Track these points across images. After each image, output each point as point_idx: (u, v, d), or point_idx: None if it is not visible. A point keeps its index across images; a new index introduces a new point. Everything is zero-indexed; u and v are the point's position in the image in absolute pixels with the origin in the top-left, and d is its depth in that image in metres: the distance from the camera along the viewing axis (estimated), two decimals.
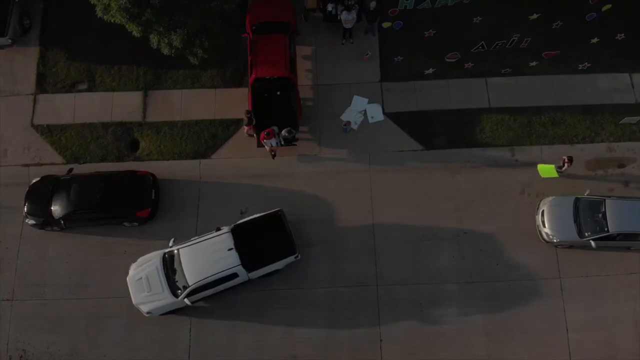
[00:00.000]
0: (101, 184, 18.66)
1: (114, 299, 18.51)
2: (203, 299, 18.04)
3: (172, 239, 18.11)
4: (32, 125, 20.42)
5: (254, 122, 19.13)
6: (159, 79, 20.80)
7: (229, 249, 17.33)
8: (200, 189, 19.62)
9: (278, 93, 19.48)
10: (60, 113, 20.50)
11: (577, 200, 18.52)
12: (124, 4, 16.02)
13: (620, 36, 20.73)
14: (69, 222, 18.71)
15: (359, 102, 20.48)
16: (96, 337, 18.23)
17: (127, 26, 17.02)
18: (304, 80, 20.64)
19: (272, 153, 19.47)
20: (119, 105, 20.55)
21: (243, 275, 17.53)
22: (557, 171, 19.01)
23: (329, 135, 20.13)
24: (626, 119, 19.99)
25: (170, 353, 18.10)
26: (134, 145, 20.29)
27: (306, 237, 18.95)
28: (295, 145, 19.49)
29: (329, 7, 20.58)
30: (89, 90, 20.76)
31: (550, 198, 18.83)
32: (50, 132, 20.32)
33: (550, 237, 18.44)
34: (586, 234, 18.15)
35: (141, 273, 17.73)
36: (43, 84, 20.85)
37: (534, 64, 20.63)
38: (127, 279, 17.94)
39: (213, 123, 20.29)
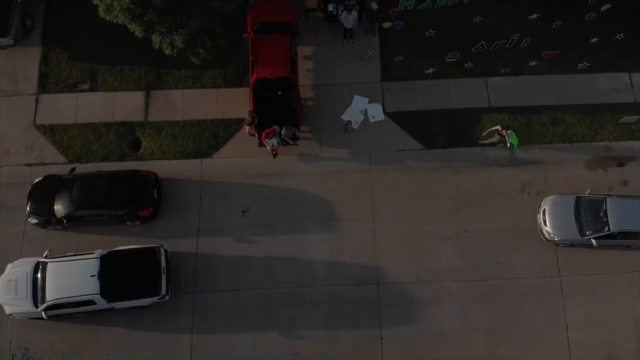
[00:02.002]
0: (103, 184, 18.74)
1: None
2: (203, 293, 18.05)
3: (48, 250, 18.14)
4: (35, 125, 20.51)
5: (256, 122, 19.22)
6: (161, 79, 20.89)
7: (92, 275, 17.25)
8: (201, 189, 19.72)
9: (279, 93, 19.57)
10: (62, 113, 20.59)
11: (578, 199, 18.60)
12: (126, 5, 16.11)
13: (620, 36, 20.82)
14: (71, 222, 18.79)
15: (359, 102, 20.57)
16: (98, 334, 18.29)
17: (129, 26, 17.12)
18: (305, 80, 20.74)
19: (274, 152, 19.57)
20: (120, 105, 20.64)
21: (102, 303, 17.37)
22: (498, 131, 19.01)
23: (329, 134, 20.22)
24: (625, 118, 20.09)
25: (172, 351, 18.18)
26: (136, 145, 20.38)
27: (307, 236, 19.04)
28: (296, 144, 19.59)
29: (330, 7, 20.66)
30: (91, 90, 20.85)
31: (552, 197, 18.91)
32: (52, 132, 20.42)
33: (552, 235, 18.51)
34: (587, 233, 18.23)
35: (13, 275, 17.74)
36: (45, 84, 20.95)
37: (533, 63, 20.72)
38: (1, 276, 17.97)
39: (214, 123, 20.39)
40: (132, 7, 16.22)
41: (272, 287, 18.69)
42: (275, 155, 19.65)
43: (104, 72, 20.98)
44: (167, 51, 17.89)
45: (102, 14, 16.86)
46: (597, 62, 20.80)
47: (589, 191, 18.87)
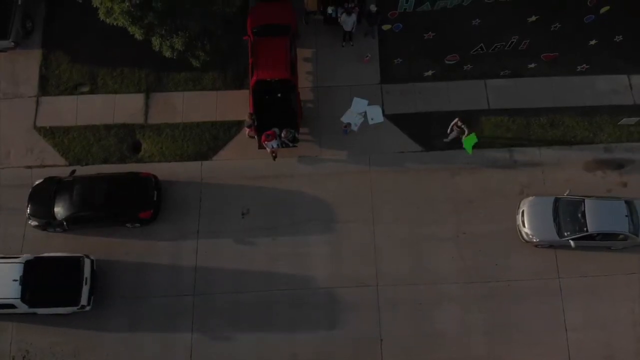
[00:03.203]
0: (103, 186, 18.80)
1: (115, 299, 18.63)
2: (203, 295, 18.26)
3: None
4: (35, 127, 20.57)
5: (255, 124, 19.27)
6: (161, 82, 20.95)
7: (14, 280, 17.26)
8: (201, 191, 19.76)
9: (279, 95, 19.62)
10: (62, 115, 20.65)
11: (557, 200, 18.64)
12: (127, 8, 16.17)
13: (619, 38, 20.85)
14: (71, 224, 18.83)
15: (359, 104, 20.62)
16: (98, 337, 18.33)
17: (129, 29, 17.17)
18: (305, 82, 20.78)
19: (273, 154, 19.61)
20: (121, 107, 20.69)
21: (23, 308, 17.38)
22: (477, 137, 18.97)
23: (329, 136, 20.27)
24: (625, 120, 20.12)
25: (172, 353, 18.22)
26: (136, 147, 20.43)
27: (307, 238, 19.09)
28: (296, 146, 19.63)
29: (329, 10, 20.69)
30: (91, 92, 20.92)
31: (531, 198, 18.95)
32: (52, 134, 20.47)
33: (530, 236, 18.54)
34: (566, 234, 18.23)
35: None
36: (45, 86, 21.01)
37: (532, 65, 20.76)
38: None
39: (214, 125, 20.44)
40: (132, 10, 16.28)
41: (271, 288, 18.72)
42: (275, 157, 19.69)
43: (104, 74, 21.04)
44: (167, 54, 17.95)
45: (102, 17, 16.92)
46: (596, 64, 20.83)
47: (567, 192, 18.86)
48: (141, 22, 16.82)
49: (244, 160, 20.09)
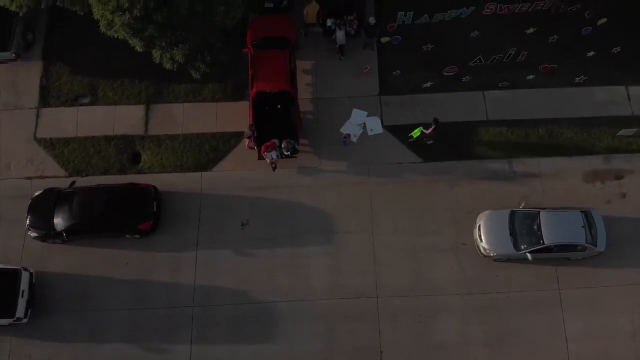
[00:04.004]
0: (103, 197, 18.82)
1: (115, 311, 18.60)
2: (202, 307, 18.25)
3: None
4: (36, 138, 20.64)
5: (255, 136, 19.34)
6: (161, 93, 21.05)
7: None
8: (201, 202, 19.78)
9: (279, 107, 19.71)
10: (63, 127, 20.73)
11: (512, 213, 18.55)
12: (128, 20, 16.28)
13: (617, 49, 21.00)
14: (71, 235, 18.83)
15: (358, 116, 20.71)
16: (97, 349, 18.25)
17: (130, 41, 17.27)
18: (304, 94, 20.89)
19: (273, 166, 19.66)
20: (121, 119, 20.78)
21: None
22: (423, 131, 19.34)
23: (329, 148, 20.33)
24: (623, 131, 20.20)
25: None
26: (136, 159, 20.48)
27: (307, 249, 19.08)
28: (296, 157, 19.68)
29: (329, 23, 20.88)
30: (91, 104, 21.02)
31: (487, 212, 18.86)
32: (53, 146, 20.53)
33: (488, 251, 18.45)
34: (522, 247, 18.11)
35: None
36: (46, 98, 21.10)
37: (531, 77, 20.88)
38: None
39: (214, 136, 20.51)
40: (133, 22, 16.38)
41: (271, 300, 18.68)
42: (274, 169, 19.74)
43: (105, 86, 21.15)
44: (168, 66, 18.05)
45: (103, 30, 17.03)
46: (594, 75, 20.97)
47: (523, 205, 18.80)
48: (142, 35, 16.92)
49: (243, 172, 20.14)
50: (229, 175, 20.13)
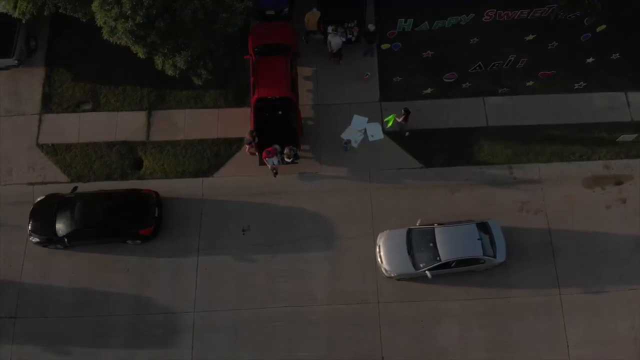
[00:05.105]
0: (105, 203, 18.86)
1: (116, 316, 18.61)
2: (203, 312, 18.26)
3: None
4: (37, 144, 20.71)
5: (256, 141, 19.42)
6: (163, 99, 21.15)
7: None
8: (202, 207, 19.83)
9: (280, 113, 19.80)
10: (65, 132, 20.81)
11: (409, 231, 18.40)
12: (130, 27, 16.39)
13: (615, 55, 21.13)
14: (72, 240, 18.86)
15: (358, 121, 20.80)
16: (98, 354, 18.24)
17: (132, 48, 17.38)
18: (305, 100, 20.99)
19: (274, 171, 19.72)
20: (123, 124, 20.87)
21: None
22: (396, 119, 19.51)
23: (329, 153, 20.40)
24: (623, 137, 20.28)
25: None
26: (138, 164, 20.55)
27: (307, 255, 19.10)
28: (297, 163, 19.75)
29: (329, 30, 21.00)
30: (93, 110, 21.10)
31: (385, 232, 18.70)
32: (55, 151, 20.60)
33: (388, 272, 18.31)
34: (421, 265, 17.96)
35: None
36: (48, 104, 21.19)
37: (530, 83, 20.99)
38: None
39: (215, 142, 20.59)
40: (135, 29, 16.49)
41: (272, 305, 18.68)
42: (275, 174, 19.80)
43: (107, 92, 21.25)
44: (170, 72, 18.14)
45: (106, 36, 17.14)
46: (593, 81, 21.07)
47: (419, 222, 18.68)
48: (144, 41, 17.02)
49: (244, 177, 20.20)
50: (230, 181, 20.19)
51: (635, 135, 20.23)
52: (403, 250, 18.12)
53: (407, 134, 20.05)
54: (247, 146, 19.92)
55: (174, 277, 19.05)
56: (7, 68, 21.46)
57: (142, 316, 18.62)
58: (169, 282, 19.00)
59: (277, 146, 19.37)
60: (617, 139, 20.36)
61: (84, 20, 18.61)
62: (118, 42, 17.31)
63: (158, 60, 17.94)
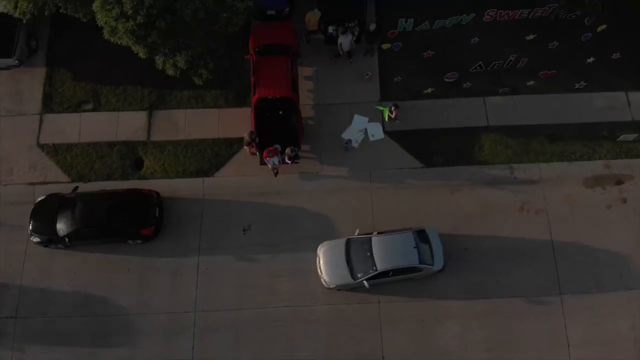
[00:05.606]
0: (106, 202, 18.88)
1: (117, 316, 18.63)
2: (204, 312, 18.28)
3: None
4: (38, 144, 20.72)
5: (257, 141, 19.44)
6: (163, 99, 21.16)
7: None
8: (203, 207, 19.84)
9: (280, 112, 19.81)
10: (65, 132, 20.81)
11: (348, 241, 18.30)
12: (131, 27, 16.39)
13: (616, 55, 21.12)
14: (73, 240, 18.87)
15: (359, 121, 20.81)
16: (99, 354, 18.27)
17: (133, 48, 17.38)
18: (306, 100, 21.00)
19: (275, 171, 19.73)
20: (123, 124, 20.87)
21: None
22: (389, 116, 19.73)
23: (330, 153, 20.41)
24: (623, 137, 20.29)
25: None
26: (139, 164, 20.56)
27: (308, 255, 19.07)
28: (298, 163, 19.77)
29: (330, 30, 21.01)
30: (94, 110, 21.11)
31: (325, 242, 18.60)
32: (55, 151, 20.61)
33: (328, 283, 18.21)
34: (358, 275, 17.80)
35: None
36: (49, 104, 21.20)
37: (531, 83, 21.00)
38: None
39: (216, 142, 20.60)
40: (136, 29, 16.50)
41: (272, 305, 18.70)
42: (276, 174, 19.80)
43: (108, 92, 21.26)
44: (170, 72, 18.15)
45: (106, 36, 17.14)
46: (593, 81, 21.06)
47: (357, 231, 18.62)
48: (145, 41, 17.02)
49: (245, 177, 20.21)
50: (231, 181, 20.20)
51: (635, 135, 20.24)
52: (342, 261, 18.00)
53: (397, 121, 20.22)
54: (247, 147, 19.92)
55: (175, 277, 19.07)
56: (8, 68, 21.46)
57: (143, 316, 18.64)
58: (170, 282, 19.02)
59: (277, 146, 19.38)
60: (618, 139, 20.36)
61: (85, 20, 18.62)
62: (119, 42, 17.30)
63: (159, 60, 17.95)
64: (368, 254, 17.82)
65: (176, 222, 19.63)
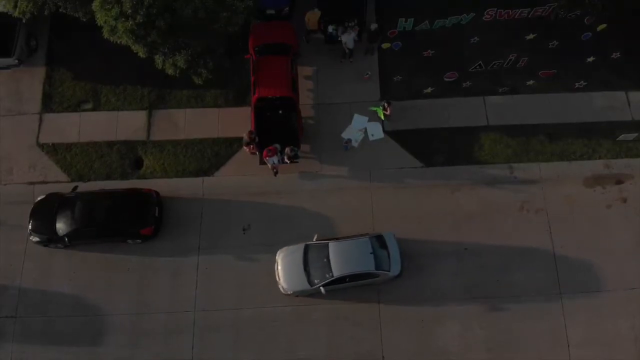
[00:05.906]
0: (105, 202, 18.87)
1: (117, 315, 18.62)
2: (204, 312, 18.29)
3: None
4: (38, 143, 20.72)
5: (257, 140, 19.43)
6: (163, 99, 21.15)
7: None
8: (202, 207, 19.83)
9: (280, 112, 19.81)
10: (65, 132, 20.81)
11: (306, 247, 18.21)
12: (131, 26, 16.39)
13: (616, 55, 21.10)
14: (73, 240, 18.86)
15: (359, 121, 20.80)
16: (99, 354, 18.26)
17: (132, 47, 17.38)
18: (306, 99, 20.99)
19: (274, 171, 19.72)
20: (123, 124, 20.87)
21: None
22: (383, 114, 19.78)
23: (330, 153, 20.40)
24: (623, 136, 20.27)
25: None
26: (138, 164, 20.55)
27: None
28: (297, 162, 19.75)
29: (330, 29, 21.01)
30: (94, 109, 21.11)
31: (284, 248, 18.54)
32: (55, 151, 20.60)
33: (285, 289, 18.13)
34: (315, 282, 17.74)
35: None
36: (49, 103, 21.19)
37: (531, 82, 20.98)
38: None
39: (216, 141, 20.59)
40: (135, 28, 16.50)
41: (272, 305, 18.68)
42: (276, 174, 19.80)
43: (107, 91, 21.25)
44: (170, 71, 18.15)
45: (106, 35, 17.14)
46: (593, 81, 21.05)
47: (316, 237, 18.53)
48: (144, 41, 17.02)
49: (245, 177, 20.20)
50: (231, 180, 20.20)
51: (635, 135, 20.23)
52: (299, 267, 17.94)
53: (391, 117, 20.26)
54: (246, 147, 19.90)
55: (175, 277, 19.06)
56: (7, 67, 21.46)
57: (143, 315, 18.63)
58: (170, 282, 19.01)
59: (277, 145, 19.37)
60: (618, 138, 20.35)
61: (85, 20, 18.61)
62: (118, 42, 17.30)
63: (158, 60, 17.95)
64: (325, 260, 17.73)
65: (176, 221, 19.62)
